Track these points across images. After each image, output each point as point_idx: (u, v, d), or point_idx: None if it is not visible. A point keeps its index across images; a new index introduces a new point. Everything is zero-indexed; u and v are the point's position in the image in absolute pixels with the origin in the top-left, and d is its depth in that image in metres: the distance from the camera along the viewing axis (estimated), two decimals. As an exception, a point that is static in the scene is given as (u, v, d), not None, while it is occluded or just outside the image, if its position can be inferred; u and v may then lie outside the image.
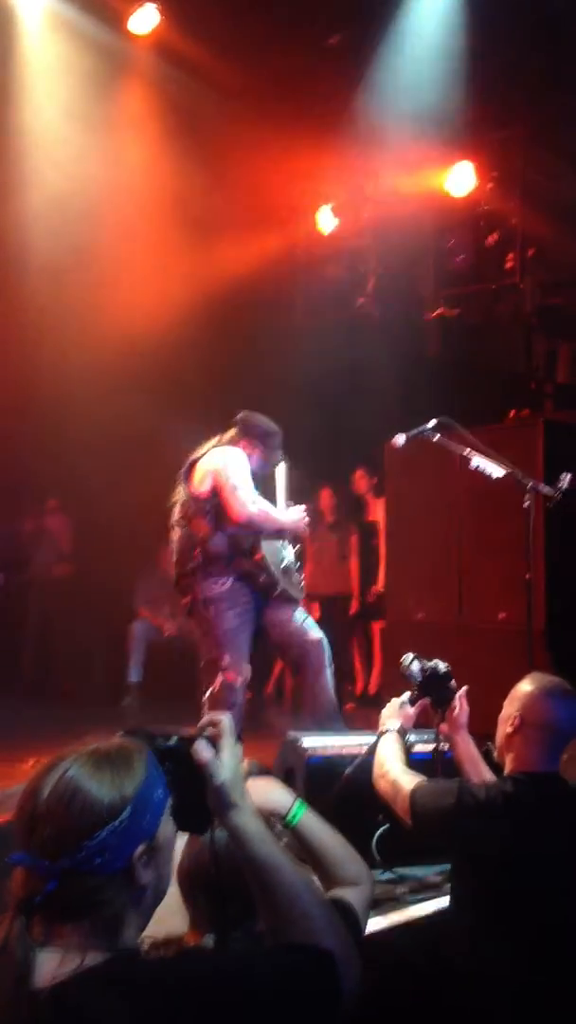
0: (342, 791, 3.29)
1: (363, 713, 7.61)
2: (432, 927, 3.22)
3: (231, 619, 4.96)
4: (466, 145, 8.09)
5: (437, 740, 3.23)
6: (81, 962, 1.42)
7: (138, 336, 7.90)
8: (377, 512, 8.35)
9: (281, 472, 5.28)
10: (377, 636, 8.40)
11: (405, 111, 7.85)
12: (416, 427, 4.97)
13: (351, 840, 1.86)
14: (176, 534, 5.08)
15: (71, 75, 7.86)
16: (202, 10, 7.65)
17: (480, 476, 4.92)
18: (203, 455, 5.05)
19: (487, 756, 3.09)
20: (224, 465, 4.94)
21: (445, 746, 3.21)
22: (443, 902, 3.25)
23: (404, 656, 3.23)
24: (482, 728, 3.11)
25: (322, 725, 4.91)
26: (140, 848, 1.49)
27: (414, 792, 2.77)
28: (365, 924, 1.82)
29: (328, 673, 5.07)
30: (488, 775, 3.02)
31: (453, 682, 3.17)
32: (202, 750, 1.60)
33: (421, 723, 3.23)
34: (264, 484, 5.16)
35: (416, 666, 3.17)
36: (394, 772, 2.90)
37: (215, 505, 4.90)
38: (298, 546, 5.41)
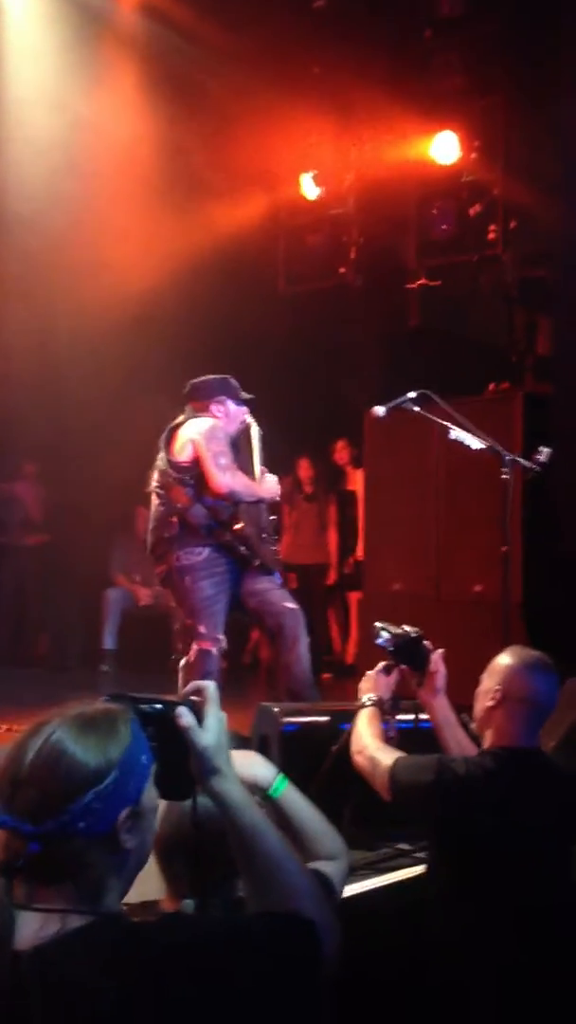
0: (330, 767, 3.27)
1: (340, 683, 7.65)
2: (407, 892, 3.23)
3: (207, 588, 4.95)
4: (450, 114, 8.02)
5: (415, 709, 3.20)
6: (63, 925, 1.42)
7: (117, 301, 7.84)
8: (356, 482, 8.35)
9: (256, 438, 5.25)
10: (354, 606, 8.42)
11: (390, 77, 7.79)
12: (397, 398, 4.96)
13: (335, 814, 1.88)
14: (154, 501, 5.05)
15: (56, 35, 7.75)
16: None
17: (459, 448, 4.92)
18: (184, 422, 5.02)
19: (464, 728, 3.08)
20: (203, 434, 4.91)
21: (425, 716, 3.17)
22: (418, 870, 3.28)
23: (374, 625, 3.22)
24: (458, 700, 3.11)
25: (297, 695, 4.93)
26: (124, 813, 1.48)
27: (393, 767, 2.76)
28: (340, 896, 1.84)
29: (304, 643, 5.07)
30: (466, 741, 3.02)
31: (428, 643, 3.13)
32: (185, 715, 1.60)
33: (402, 691, 3.20)
34: (240, 451, 5.13)
35: (386, 634, 3.14)
36: (371, 748, 2.87)
37: (195, 475, 4.88)
38: (275, 516, 5.39)
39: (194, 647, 4.92)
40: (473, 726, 2.90)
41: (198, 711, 1.62)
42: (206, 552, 4.94)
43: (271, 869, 1.58)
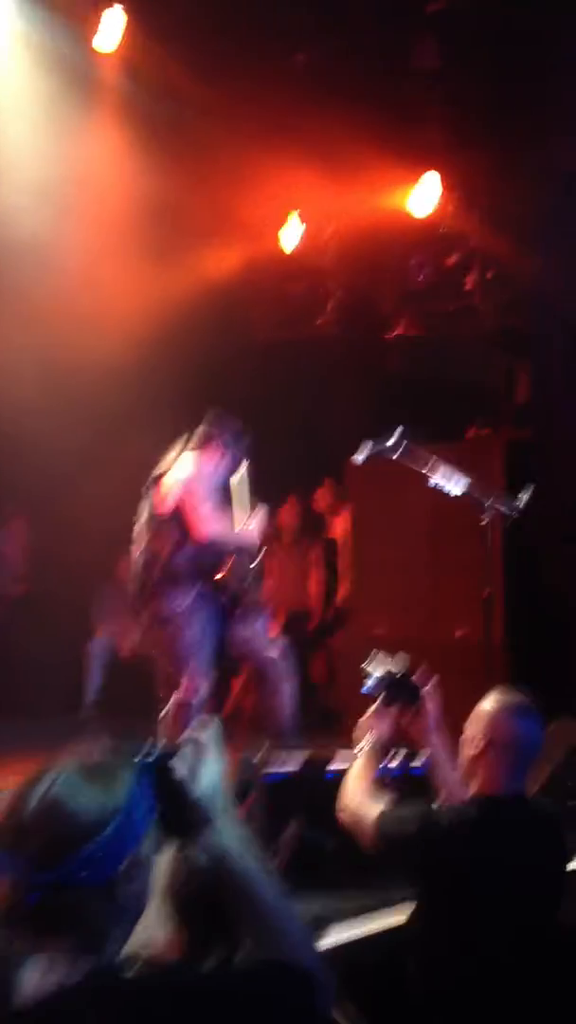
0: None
1: (323, 728, 7.60)
2: (389, 942, 3.19)
3: (188, 636, 4.95)
4: (429, 165, 8.14)
5: (409, 752, 3.13)
6: (64, 976, 1.42)
7: (95, 349, 7.87)
8: (337, 529, 8.37)
9: (244, 479, 5.25)
10: (337, 651, 8.40)
11: (370, 128, 7.90)
12: (375, 445, 4.99)
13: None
14: (137, 549, 5.05)
15: (40, 88, 7.85)
16: (167, 27, 7.66)
17: (440, 494, 4.95)
18: (167, 470, 5.03)
19: None
20: (186, 481, 4.93)
21: (418, 762, 3.11)
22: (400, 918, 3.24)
23: (362, 669, 3.15)
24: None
25: (281, 741, 4.91)
26: (125, 862, 1.48)
27: (378, 821, 2.72)
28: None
29: (287, 688, 5.06)
30: (459, 783, 2.92)
31: (417, 676, 3.07)
32: (179, 766, 1.60)
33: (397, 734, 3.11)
34: (225, 492, 5.14)
35: (370, 681, 3.07)
36: (355, 803, 2.84)
37: (179, 522, 4.89)
38: (257, 561, 5.39)
39: (176, 695, 4.90)
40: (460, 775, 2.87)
41: (193, 760, 1.62)
42: (189, 600, 4.94)
43: (266, 918, 1.58)
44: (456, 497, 4.89)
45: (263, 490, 5.45)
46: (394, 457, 4.98)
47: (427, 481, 4.95)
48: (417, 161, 8.15)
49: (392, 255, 8.77)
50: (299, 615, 8.46)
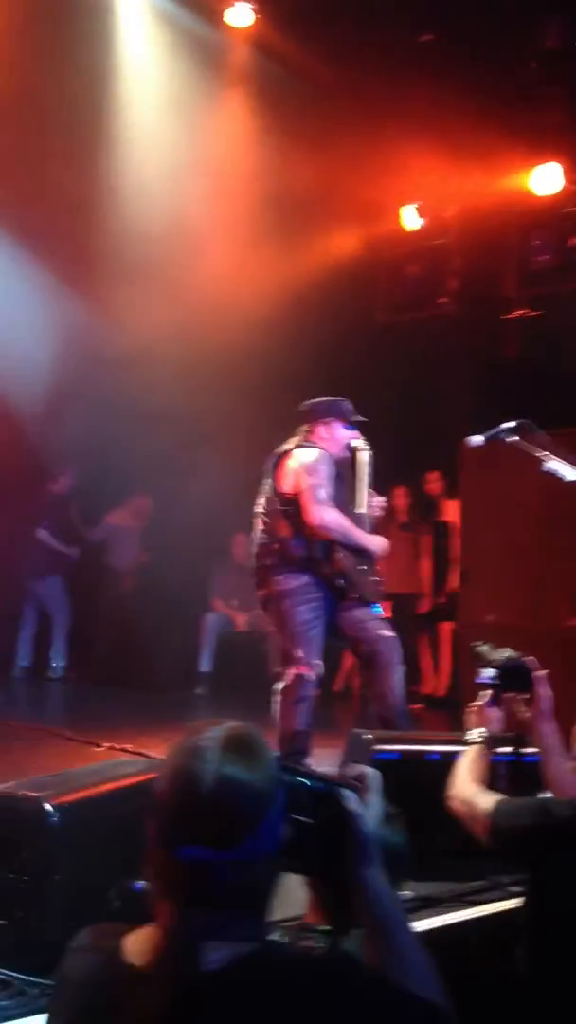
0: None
1: (430, 715, 7.62)
2: (498, 925, 3.19)
3: (304, 613, 5.00)
4: (552, 145, 8.02)
5: (519, 742, 3.06)
6: (235, 952, 1.44)
7: (217, 328, 7.99)
8: (450, 513, 8.34)
9: (366, 463, 5.27)
10: (446, 637, 8.40)
11: (494, 109, 7.82)
12: (493, 428, 4.96)
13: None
14: (258, 526, 5.14)
15: (168, 66, 8.01)
16: (295, 8, 7.72)
17: (555, 480, 4.90)
18: (291, 450, 5.09)
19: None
20: (305, 467, 4.98)
21: (529, 750, 3.03)
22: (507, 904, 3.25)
23: (472, 647, 3.10)
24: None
25: (390, 723, 4.94)
26: (283, 832, 1.52)
27: (493, 812, 2.66)
28: None
29: (398, 672, 5.08)
30: (570, 775, 2.85)
31: (530, 662, 3.02)
32: (352, 800, 1.64)
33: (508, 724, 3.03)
34: (346, 479, 5.17)
35: (486, 672, 3.02)
36: (468, 792, 2.77)
37: (296, 507, 4.95)
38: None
39: (291, 671, 4.96)
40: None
41: (360, 796, 1.66)
42: (305, 578, 5.01)
43: (400, 956, 1.60)
44: (570, 483, 4.83)
45: (377, 472, 5.48)
46: (509, 440, 4.94)
47: (542, 466, 4.90)
48: (540, 141, 8.03)
49: (513, 236, 8.66)
50: (409, 598, 8.48)
